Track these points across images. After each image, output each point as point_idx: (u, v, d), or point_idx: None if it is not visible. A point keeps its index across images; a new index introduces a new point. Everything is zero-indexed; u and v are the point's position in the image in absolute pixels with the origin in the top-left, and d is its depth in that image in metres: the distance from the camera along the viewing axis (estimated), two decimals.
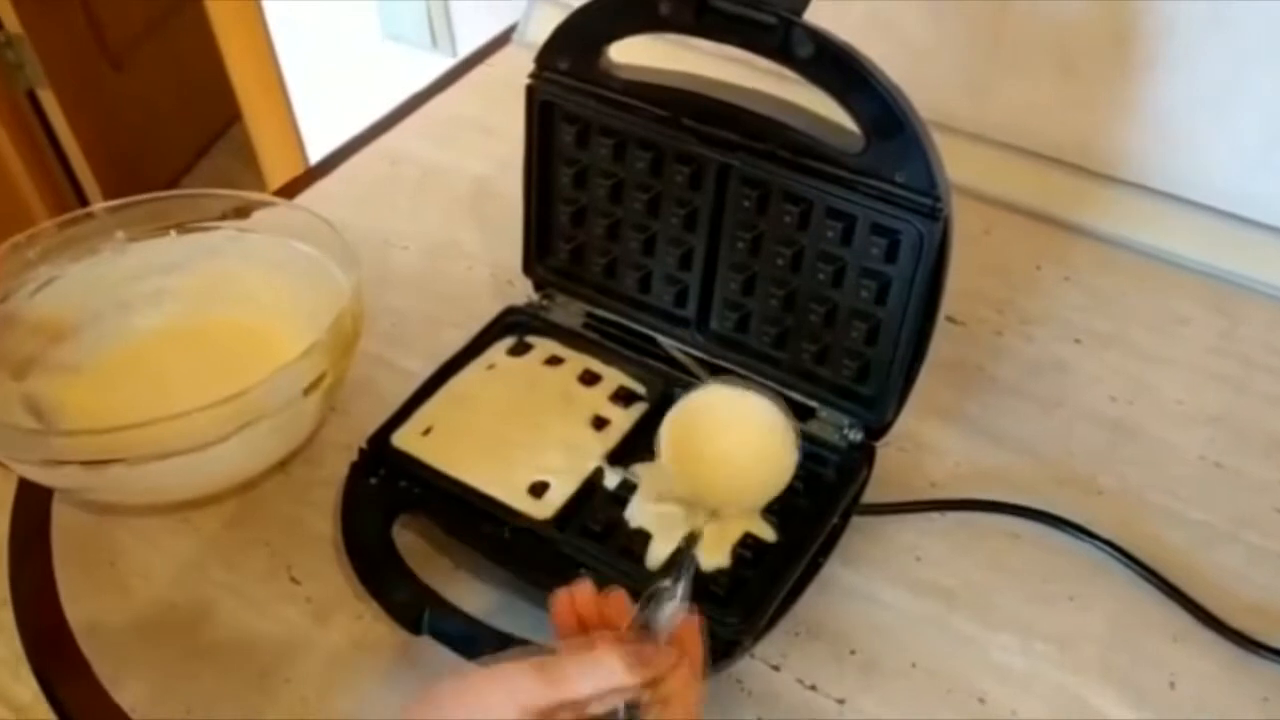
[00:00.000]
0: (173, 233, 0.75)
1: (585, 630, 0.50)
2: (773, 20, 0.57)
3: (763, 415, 0.62)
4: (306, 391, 0.65)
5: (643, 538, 0.62)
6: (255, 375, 0.62)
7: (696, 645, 0.49)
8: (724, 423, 0.63)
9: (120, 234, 0.74)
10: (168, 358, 0.74)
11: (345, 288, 0.68)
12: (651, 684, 0.46)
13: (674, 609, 0.48)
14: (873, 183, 0.60)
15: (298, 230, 0.74)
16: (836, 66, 0.57)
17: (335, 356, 0.66)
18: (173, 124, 2.24)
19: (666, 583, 0.49)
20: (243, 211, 0.76)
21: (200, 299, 0.76)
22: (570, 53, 0.66)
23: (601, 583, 0.60)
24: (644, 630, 0.48)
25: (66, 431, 0.66)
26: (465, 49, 1.17)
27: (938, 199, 0.59)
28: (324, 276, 0.72)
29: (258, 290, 0.75)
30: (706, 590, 0.60)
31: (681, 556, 0.54)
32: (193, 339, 0.75)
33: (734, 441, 0.63)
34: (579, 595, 0.51)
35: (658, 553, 0.61)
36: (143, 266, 0.74)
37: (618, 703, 0.46)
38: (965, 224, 0.86)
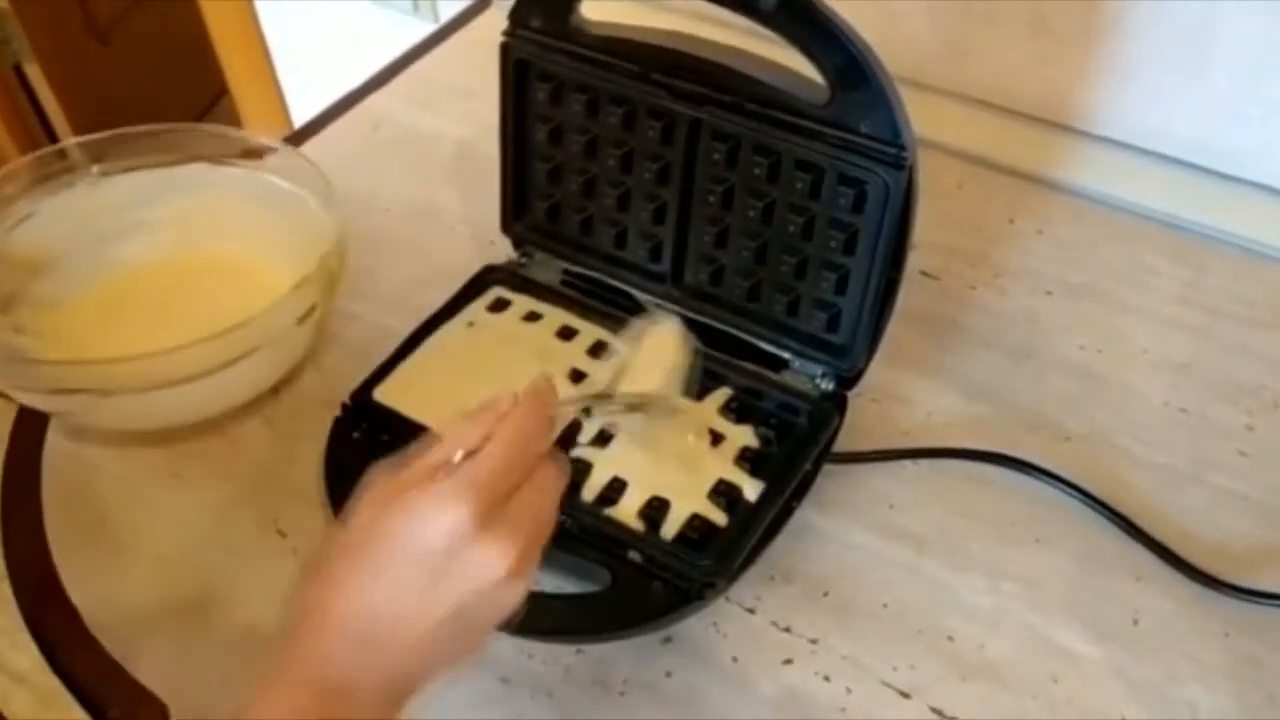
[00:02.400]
0: (147, 168, 0.76)
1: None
2: None
3: None
4: (300, 321, 0.68)
5: (618, 486, 0.64)
6: (234, 305, 0.64)
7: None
8: None
9: (95, 169, 0.75)
10: (148, 289, 0.75)
11: (328, 224, 0.70)
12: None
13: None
14: (839, 134, 0.61)
15: (272, 165, 0.75)
16: (800, 18, 0.58)
17: (324, 289, 0.68)
18: (160, 98, 2.23)
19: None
20: (219, 148, 0.77)
21: (176, 232, 0.77)
22: (542, 10, 0.67)
23: (577, 530, 0.62)
24: None
25: (72, 361, 0.66)
26: (446, 13, 1.17)
27: (902, 149, 0.60)
28: (298, 207, 0.74)
29: (232, 222, 0.76)
30: (682, 535, 0.62)
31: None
32: (171, 271, 0.76)
33: None
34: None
35: (631, 500, 0.63)
36: (118, 200, 0.75)
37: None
38: (940, 180, 0.88)
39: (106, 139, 0.74)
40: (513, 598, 0.46)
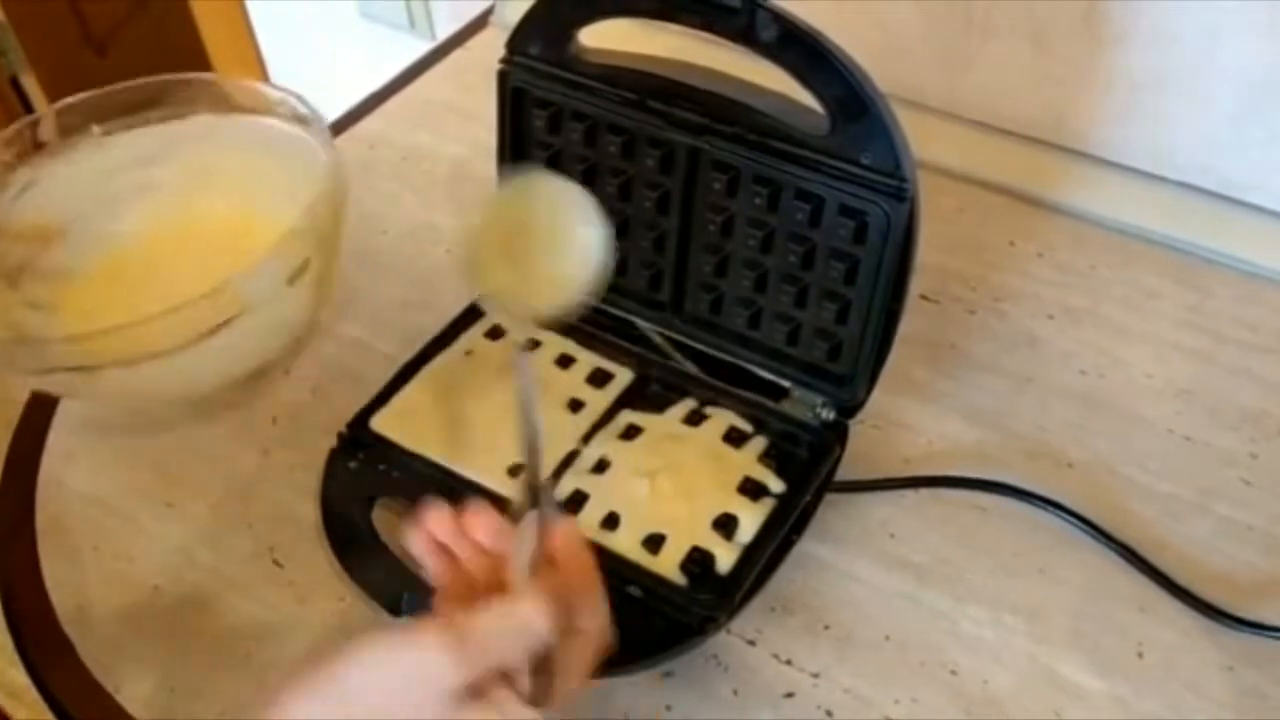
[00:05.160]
0: (150, 124, 0.73)
1: (451, 555, 0.47)
2: (737, 4, 0.58)
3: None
4: (290, 281, 0.62)
5: (616, 518, 0.63)
6: (244, 266, 0.61)
7: (585, 555, 0.46)
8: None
9: (96, 128, 0.71)
10: (159, 253, 0.72)
11: (323, 167, 0.65)
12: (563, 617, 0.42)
13: (549, 516, 0.47)
14: (839, 164, 0.61)
15: (275, 109, 0.72)
16: (800, 50, 0.58)
17: (317, 241, 0.63)
18: None
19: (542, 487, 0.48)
20: (219, 99, 0.74)
21: (185, 189, 0.73)
22: (541, 38, 0.67)
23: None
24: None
25: (48, 340, 0.64)
26: (443, 30, 1.17)
27: (903, 180, 0.59)
28: (306, 154, 0.70)
29: (241, 175, 0.73)
30: (682, 568, 0.61)
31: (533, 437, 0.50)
32: (182, 232, 0.73)
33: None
34: (433, 524, 0.48)
35: (630, 533, 0.62)
36: (123, 160, 0.72)
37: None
38: (939, 202, 0.88)
39: (105, 95, 0.71)
40: None
